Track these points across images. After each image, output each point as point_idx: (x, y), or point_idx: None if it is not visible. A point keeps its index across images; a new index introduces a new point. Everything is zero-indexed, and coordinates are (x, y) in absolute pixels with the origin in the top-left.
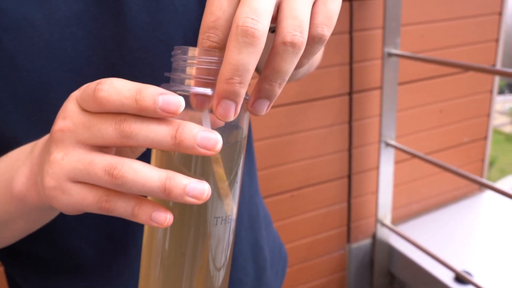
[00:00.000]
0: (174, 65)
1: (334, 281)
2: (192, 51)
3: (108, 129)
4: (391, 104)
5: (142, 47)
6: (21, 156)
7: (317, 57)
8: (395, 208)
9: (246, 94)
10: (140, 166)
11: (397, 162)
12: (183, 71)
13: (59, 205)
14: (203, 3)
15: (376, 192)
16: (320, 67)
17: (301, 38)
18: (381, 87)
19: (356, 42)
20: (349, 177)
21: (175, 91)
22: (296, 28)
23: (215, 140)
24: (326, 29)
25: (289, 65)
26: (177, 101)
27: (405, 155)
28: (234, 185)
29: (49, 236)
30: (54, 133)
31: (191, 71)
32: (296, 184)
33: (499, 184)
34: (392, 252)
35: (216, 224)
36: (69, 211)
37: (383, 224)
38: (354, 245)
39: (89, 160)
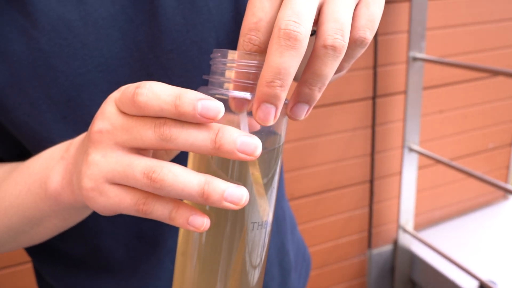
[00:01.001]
0: (213, 68)
1: (354, 287)
2: (232, 55)
3: (147, 132)
4: (416, 109)
5: (175, 49)
6: (56, 155)
7: None
8: (417, 214)
9: (285, 98)
10: (179, 170)
11: (420, 167)
12: (223, 74)
13: (95, 206)
14: (236, 5)
15: (398, 197)
16: None
17: (342, 41)
18: (405, 92)
19: (380, 45)
20: (371, 182)
21: (213, 95)
22: (337, 31)
23: (255, 145)
24: (368, 32)
25: (330, 69)
26: (216, 107)
27: (428, 161)
28: (271, 190)
29: (80, 235)
30: (92, 134)
31: (231, 74)
32: (318, 188)
33: None
34: (413, 259)
35: (253, 230)
36: (105, 212)
37: (405, 230)
38: (375, 250)
39: (127, 162)
